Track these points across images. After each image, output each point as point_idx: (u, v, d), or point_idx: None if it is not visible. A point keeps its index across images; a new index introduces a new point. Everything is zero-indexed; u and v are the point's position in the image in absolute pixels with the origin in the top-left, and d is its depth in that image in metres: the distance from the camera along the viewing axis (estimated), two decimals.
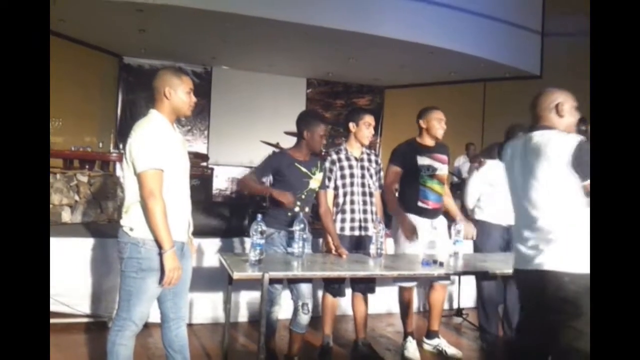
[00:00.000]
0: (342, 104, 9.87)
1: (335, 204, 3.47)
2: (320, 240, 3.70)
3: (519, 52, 7.85)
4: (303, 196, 3.16)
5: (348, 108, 9.22)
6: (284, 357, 3.32)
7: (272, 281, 3.01)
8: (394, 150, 3.66)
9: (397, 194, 3.69)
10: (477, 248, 3.94)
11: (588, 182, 2.13)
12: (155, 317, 2.62)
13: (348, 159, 3.50)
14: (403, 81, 9.53)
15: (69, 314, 3.85)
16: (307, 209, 3.19)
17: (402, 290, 3.71)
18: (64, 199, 4.87)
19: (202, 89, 8.70)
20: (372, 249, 3.17)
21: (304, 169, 3.15)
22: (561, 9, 7.62)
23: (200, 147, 8.93)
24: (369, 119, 3.52)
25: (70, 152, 5.82)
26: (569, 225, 2.20)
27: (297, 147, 3.21)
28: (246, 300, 4.30)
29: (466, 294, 4.77)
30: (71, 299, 3.82)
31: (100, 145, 6.68)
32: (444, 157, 3.64)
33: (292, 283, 3.06)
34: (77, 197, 5.00)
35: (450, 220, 3.66)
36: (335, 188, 3.47)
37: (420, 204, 3.56)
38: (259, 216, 2.86)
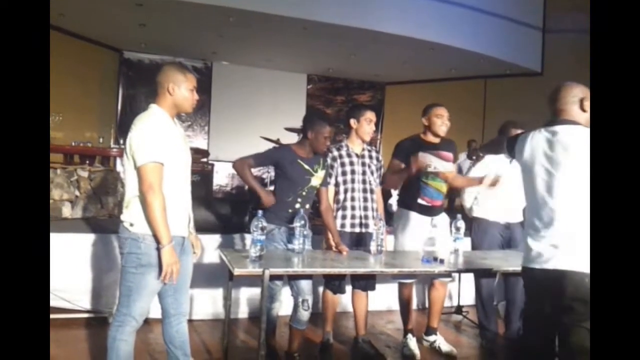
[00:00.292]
0: (343, 100, 9.85)
1: (336, 201, 3.47)
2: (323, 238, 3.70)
3: (520, 49, 7.82)
4: (304, 193, 3.16)
5: (349, 104, 9.21)
6: (284, 353, 3.32)
7: (272, 277, 3.01)
8: (397, 145, 3.64)
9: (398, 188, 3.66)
10: (475, 245, 3.94)
11: None
12: (156, 312, 2.62)
13: (349, 155, 3.50)
14: (404, 77, 9.51)
15: (69, 310, 3.85)
16: (307, 206, 3.19)
17: (401, 287, 3.71)
18: (64, 194, 4.87)
19: (203, 85, 8.63)
20: (373, 246, 3.17)
21: (306, 166, 3.15)
22: (562, 5, 7.60)
23: (200, 142, 8.92)
24: (370, 115, 3.51)
25: (71, 147, 5.81)
26: (585, 223, 2.17)
27: (301, 144, 3.21)
28: (246, 296, 4.30)
29: (466, 291, 4.78)
30: (71, 295, 3.82)
31: (101, 140, 6.67)
32: (448, 155, 3.60)
33: (292, 279, 3.07)
34: (77, 193, 4.99)
35: (452, 217, 3.66)
36: (336, 185, 3.46)
37: (420, 200, 3.55)
38: (260, 212, 2.86)
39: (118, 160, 5.97)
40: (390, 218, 3.96)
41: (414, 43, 6.94)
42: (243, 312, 4.31)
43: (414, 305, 4.15)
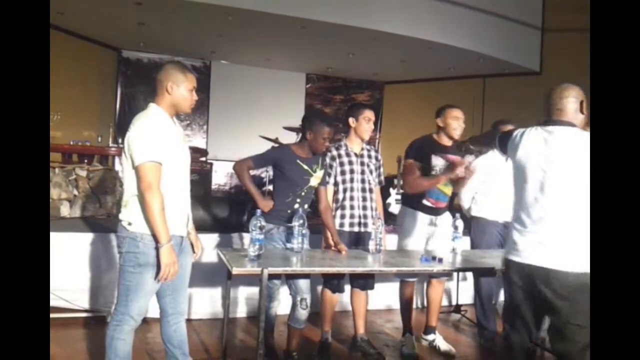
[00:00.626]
0: (342, 99, 9.84)
1: (335, 200, 3.47)
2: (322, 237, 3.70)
3: (519, 48, 7.82)
4: (303, 193, 3.16)
5: (347, 103, 9.19)
6: (282, 352, 3.32)
7: (271, 276, 3.01)
8: (411, 145, 3.60)
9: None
10: (474, 245, 3.95)
11: None
12: (154, 312, 2.62)
13: (348, 154, 3.50)
14: (402, 76, 9.50)
15: (67, 309, 3.85)
16: (306, 206, 3.19)
17: (403, 285, 3.71)
18: (63, 193, 4.86)
19: (202, 83, 8.61)
20: (371, 245, 3.17)
21: (305, 167, 3.15)
22: (561, 4, 7.60)
23: (199, 141, 8.91)
24: (368, 114, 3.51)
25: (69, 146, 5.80)
26: (581, 223, 2.19)
27: (300, 144, 3.20)
28: (245, 295, 4.30)
29: (464, 290, 4.78)
30: (69, 294, 3.81)
31: (99, 139, 6.66)
32: (456, 158, 3.60)
33: (290, 278, 3.07)
34: (75, 192, 4.99)
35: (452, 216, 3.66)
36: (335, 184, 3.46)
37: (425, 201, 3.55)
38: (258, 211, 2.86)
39: (116, 160, 5.96)
40: (389, 217, 3.96)
41: (412, 42, 6.93)
42: (242, 311, 4.31)
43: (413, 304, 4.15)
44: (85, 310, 3.93)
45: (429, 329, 3.80)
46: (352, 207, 3.45)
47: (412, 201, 3.59)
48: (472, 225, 3.98)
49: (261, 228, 2.77)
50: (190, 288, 2.75)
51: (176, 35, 7.60)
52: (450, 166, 3.33)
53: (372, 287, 3.59)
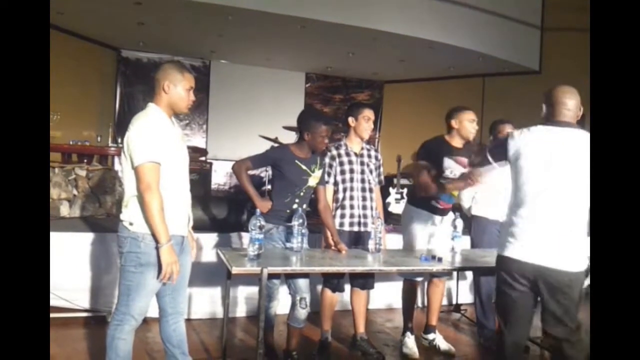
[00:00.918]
0: (341, 99, 9.83)
1: (335, 200, 3.47)
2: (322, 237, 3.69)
3: (518, 47, 7.81)
4: (301, 193, 3.16)
5: (347, 103, 9.18)
6: (282, 351, 3.33)
7: (270, 276, 3.01)
8: (423, 146, 3.57)
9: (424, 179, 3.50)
10: (474, 243, 3.95)
11: None
12: (154, 311, 2.62)
13: (348, 154, 3.50)
14: (402, 76, 9.49)
15: (68, 309, 3.85)
16: (305, 206, 3.19)
17: (407, 284, 3.71)
18: (62, 193, 4.86)
19: (201, 83, 8.64)
20: (371, 244, 3.17)
21: (304, 167, 3.14)
22: (561, 3, 7.59)
23: (198, 141, 8.89)
24: (368, 113, 3.50)
25: (69, 146, 5.80)
26: (582, 223, 2.20)
27: (299, 145, 3.19)
28: (244, 295, 4.30)
29: (464, 289, 4.78)
30: (70, 294, 3.81)
31: (99, 139, 6.65)
32: (464, 160, 3.61)
33: (289, 278, 3.07)
34: (75, 192, 4.99)
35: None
36: (335, 183, 3.46)
37: (433, 202, 3.55)
38: (258, 211, 2.86)
39: (116, 159, 5.95)
40: (388, 216, 3.96)
41: (412, 41, 6.93)
42: (241, 311, 4.31)
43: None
44: (85, 310, 3.94)
45: (429, 328, 3.80)
46: (352, 207, 3.45)
47: (419, 201, 3.59)
48: (473, 225, 3.99)
49: (261, 228, 2.77)
50: (190, 288, 2.76)
51: (176, 35, 7.60)
52: (466, 174, 3.29)
53: (372, 287, 3.59)
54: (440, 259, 3.06)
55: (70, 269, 3.83)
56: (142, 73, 8.39)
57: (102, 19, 6.84)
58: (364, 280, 3.51)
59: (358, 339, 3.59)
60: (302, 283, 3.05)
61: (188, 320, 3.55)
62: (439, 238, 3.58)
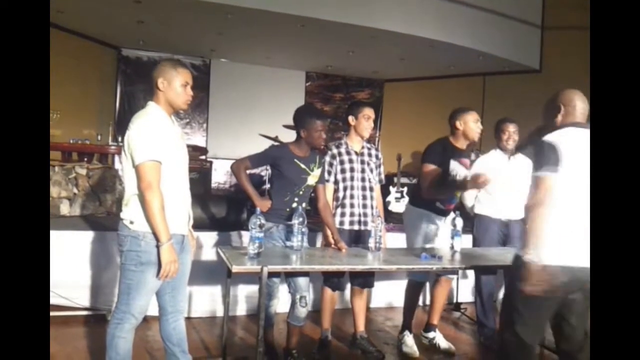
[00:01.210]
0: (341, 97, 9.82)
1: (335, 198, 3.47)
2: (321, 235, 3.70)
3: (519, 46, 7.80)
4: (301, 192, 3.16)
5: (347, 101, 9.17)
6: (282, 350, 3.33)
7: (270, 274, 3.01)
8: (429, 149, 3.55)
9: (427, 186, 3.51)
10: (477, 242, 3.95)
11: None
12: (154, 310, 2.62)
13: (348, 153, 3.50)
14: (402, 74, 9.48)
15: (68, 307, 3.85)
16: (304, 204, 3.19)
17: (412, 283, 3.71)
18: (63, 191, 4.86)
19: (201, 82, 8.65)
20: (371, 243, 3.17)
21: (302, 166, 3.14)
22: (561, 2, 7.58)
23: (199, 140, 8.89)
24: (368, 112, 3.50)
25: (69, 144, 5.80)
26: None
27: (297, 143, 3.18)
28: (244, 293, 4.30)
29: (464, 288, 4.78)
30: (70, 292, 3.82)
31: (99, 137, 6.65)
32: (468, 162, 3.61)
33: (289, 276, 3.07)
34: (75, 190, 4.99)
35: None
36: (335, 182, 3.46)
37: (437, 204, 3.55)
38: (258, 210, 2.86)
39: (116, 158, 5.95)
40: (389, 215, 3.96)
41: (412, 40, 6.92)
42: (241, 309, 4.31)
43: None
44: (86, 309, 3.94)
45: (430, 327, 3.80)
46: (352, 206, 3.45)
47: (424, 203, 3.59)
48: (475, 223, 3.99)
49: (261, 226, 2.78)
50: (190, 286, 2.76)
51: (176, 34, 7.59)
52: (474, 177, 3.28)
53: (372, 285, 3.59)
54: (440, 258, 3.06)
55: (70, 267, 3.83)
56: (142, 72, 8.38)
57: (102, 17, 6.83)
58: (364, 279, 3.52)
59: (358, 338, 3.59)
60: (302, 281, 3.06)
61: (188, 319, 3.55)
62: (442, 237, 3.58)
